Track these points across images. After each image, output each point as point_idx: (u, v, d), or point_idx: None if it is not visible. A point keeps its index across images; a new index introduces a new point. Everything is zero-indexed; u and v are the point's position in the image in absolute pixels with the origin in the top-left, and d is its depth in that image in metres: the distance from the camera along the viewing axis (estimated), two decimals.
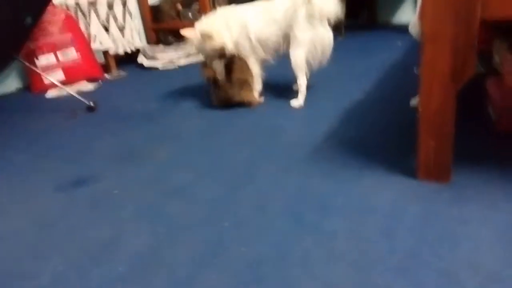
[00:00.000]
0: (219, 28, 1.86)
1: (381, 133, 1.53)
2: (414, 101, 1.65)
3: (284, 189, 1.24)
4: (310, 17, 1.78)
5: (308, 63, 1.86)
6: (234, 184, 1.30)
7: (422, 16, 1.13)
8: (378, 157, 1.34)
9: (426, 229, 0.99)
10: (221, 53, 1.85)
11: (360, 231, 1.02)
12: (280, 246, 0.99)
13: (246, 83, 1.88)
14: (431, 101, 1.09)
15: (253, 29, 1.88)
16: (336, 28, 3.11)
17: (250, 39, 1.89)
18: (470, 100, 1.58)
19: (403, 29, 3.08)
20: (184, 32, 1.87)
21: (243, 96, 1.88)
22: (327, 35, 1.83)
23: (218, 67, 1.83)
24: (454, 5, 1.00)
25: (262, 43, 1.90)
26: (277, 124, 1.73)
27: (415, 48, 1.61)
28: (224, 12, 1.92)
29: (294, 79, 1.90)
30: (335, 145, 1.47)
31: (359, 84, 2.05)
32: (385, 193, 1.15)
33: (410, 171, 1.21)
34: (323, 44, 1.82)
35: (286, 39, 1.87)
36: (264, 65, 1.99)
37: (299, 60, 1.83)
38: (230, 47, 1.87)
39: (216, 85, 1.88)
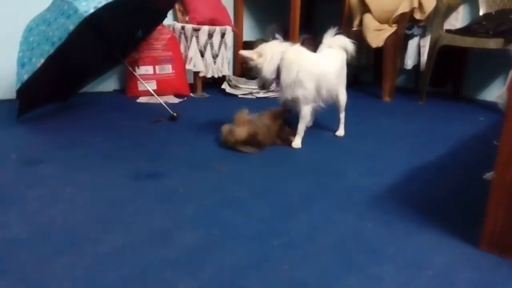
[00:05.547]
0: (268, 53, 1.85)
1: (446, 196, 1.49)
2: (488, 175, 1.59)
3: (336, 226, 1.25)
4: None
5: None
6: (288, 210, 1.34)
7: (511, 87, 1.13)
8: (439, 218, 1.31)
9: None
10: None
11: (408, 284, 0.99)
12: (323, 276, 1.00)
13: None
14: (508, 171, 1.07)
15: (329, 79, 1.94)
16: (417, 92, 3.14)
17: (321, 89, 1.92)
18: None
19: (487, 105, 3.01)
20: (242, 52, 1.89)
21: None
22: None
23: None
24: None
25: (326, 93, 1.97)
26: (340, 166, 1.75)
27: (498, 124, 1.57)
28: (295, 49, 1.91)
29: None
30: (397, 198, 1.45)
31: (432, 147, 2.01)
32: (442, 253, 1.12)
33: (471, 239, 1.16)
34: None
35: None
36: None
37: (345, 98, 2.14)
38: (265, 72, 1.87)
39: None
